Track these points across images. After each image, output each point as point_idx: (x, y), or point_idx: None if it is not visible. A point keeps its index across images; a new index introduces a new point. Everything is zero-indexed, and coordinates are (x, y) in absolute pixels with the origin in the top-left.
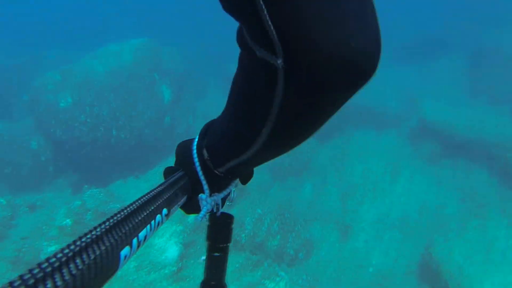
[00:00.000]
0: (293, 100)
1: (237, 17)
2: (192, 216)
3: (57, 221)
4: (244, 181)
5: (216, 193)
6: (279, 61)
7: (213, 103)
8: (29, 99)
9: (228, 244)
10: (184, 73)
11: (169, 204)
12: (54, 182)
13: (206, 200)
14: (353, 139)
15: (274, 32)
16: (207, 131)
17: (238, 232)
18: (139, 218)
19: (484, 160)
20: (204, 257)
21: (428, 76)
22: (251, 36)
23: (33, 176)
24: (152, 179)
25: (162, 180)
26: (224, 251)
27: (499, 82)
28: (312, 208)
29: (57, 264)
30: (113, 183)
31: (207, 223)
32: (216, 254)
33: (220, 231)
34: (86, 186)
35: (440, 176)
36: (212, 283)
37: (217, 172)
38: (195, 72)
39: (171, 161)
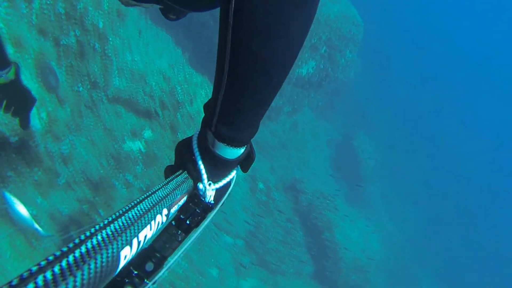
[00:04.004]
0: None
1: None
2: None
3: None
4: (245, 168)
5: (212, 183)
6: None
7: None
8: None
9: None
10: None
11: (169, 204)
12: None
13: (202, 190)
14: None
15: None
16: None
17: None
18: (139, 218)
19: None
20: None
21: None
22: None
23: None
24: None
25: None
26: (186, 232)
27: None
28: None
29: (56, 263)
30: None
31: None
32: (180, 232)
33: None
34: None
35: None
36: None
37: (213, 149)
38: None
39: None
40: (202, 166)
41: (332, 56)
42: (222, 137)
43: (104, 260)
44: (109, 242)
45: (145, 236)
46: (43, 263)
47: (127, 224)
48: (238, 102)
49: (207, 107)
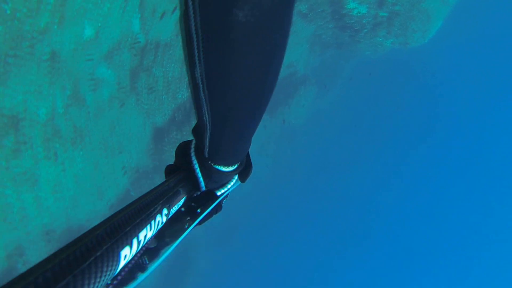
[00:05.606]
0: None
1: None
2: None
3: None
4: (243, 178)
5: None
6: None
7: None
8: None
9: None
10: None
11: (169, 204)
12: None
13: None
14: None
15: None
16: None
17: None
18: (139, 218)
19: None
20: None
21: None
22: None
23: None
24: None
25: (164, 179)
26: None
27: None
28: None
29: (56, 263)
30: None
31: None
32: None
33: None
34: None
35: None
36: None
37: (210, 162)
38: None
39: None
40: (200, 175)
41: (380, 26)
42: (216, 162)
43: (104, 260)
44: (109, 242)
45: (145, 236)
46: (43, 262)
47: (127, 224)
48: (227, 135)
49: (196, 133)
